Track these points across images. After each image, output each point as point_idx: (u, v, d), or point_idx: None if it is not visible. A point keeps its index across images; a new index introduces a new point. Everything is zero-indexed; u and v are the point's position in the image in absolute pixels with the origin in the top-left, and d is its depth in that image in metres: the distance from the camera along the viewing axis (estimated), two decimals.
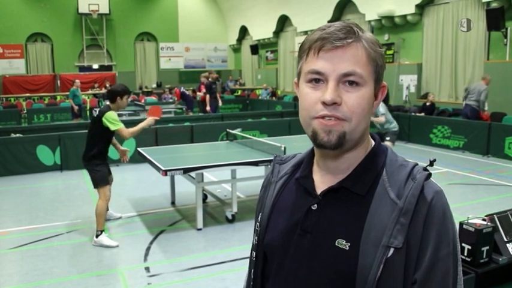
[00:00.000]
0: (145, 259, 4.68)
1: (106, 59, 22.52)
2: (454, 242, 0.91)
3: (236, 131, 7.31)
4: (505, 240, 2.78)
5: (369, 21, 14.57)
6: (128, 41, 22.78)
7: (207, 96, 13.16)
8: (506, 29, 10.75)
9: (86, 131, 8.17)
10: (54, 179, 8.17)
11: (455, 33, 12.29)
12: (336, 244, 0.94)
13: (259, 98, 19.55)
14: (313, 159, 1.06)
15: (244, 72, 24.49)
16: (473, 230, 2.63)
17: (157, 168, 5.25)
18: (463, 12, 12.00)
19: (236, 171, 6.07)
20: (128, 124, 8.73)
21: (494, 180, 7.57)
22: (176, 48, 23.85)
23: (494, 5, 10.66)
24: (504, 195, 6.65)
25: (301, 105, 0.97)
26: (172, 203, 6.52)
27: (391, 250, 0.88)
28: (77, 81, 13.90)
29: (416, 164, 0.97)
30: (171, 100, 16.54)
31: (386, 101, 11.67)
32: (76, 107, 13.30)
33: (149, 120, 5.28)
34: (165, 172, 5.04)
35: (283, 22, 19.98)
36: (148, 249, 4.93)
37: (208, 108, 13.11)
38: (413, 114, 11.90)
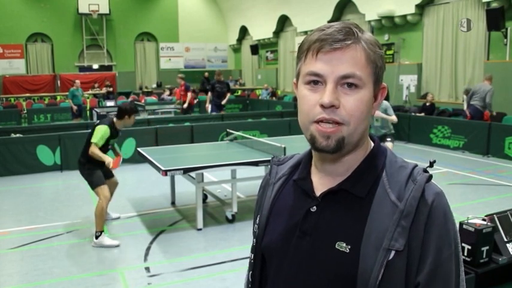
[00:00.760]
0: (145, 259, 4.68)
1: (106, 59, 22.51)
2: (456, 244, 0.91)
3: (229, 138, 7.32)
4: (505, 240, 2.78)
5: (369, 21, 14.56)
6: (128, 41, 22.78)
7: (208, 95, 13.02)
8: (506, 29, 10.74)
9: (86, 131, 8.21)
10: (54, 179, 8.17)
11: (455, 33, 12.29)
12: (336, 247, 0.93)
13: (259, 98, 19.55)
14: (311, 161, 1.05)
15: (244, 72, 24.49)
16: (473, 230, 2.63)
17: (158, 169, 5.25)
18: (463, 12, 12.00)
19: (236, 171, 6.07)
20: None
21: (494, 180, 7.57)
22: (176, 48, 23.85)
23: (494, 5, 10.66)
24: (504, 195, 6.65)
25: (300, 108, 0.96)
26: (173, 203, 6.52)
27: (392, 253, 0.87)
28: (77, 81, 13.90)
29: (416, 165, 0.96)
30: (170, 99, 16.56)
31: (386, 101, 11.68)
32: (75, 107, 13.26)
33: (108, 161, 5.05)
34: (165, 172, 5.04)
35: (283, 22, 19.98)
36: (148, 249, 4.93)
37: (208, 107, 12.92)
38: (413, 114, 11.90)
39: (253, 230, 1.12)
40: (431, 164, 1.01)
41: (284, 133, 9.85)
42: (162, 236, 5.33)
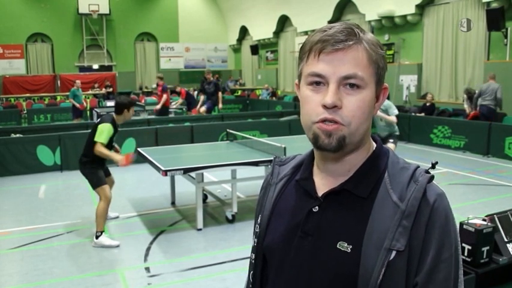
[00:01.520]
0: (145, 259, 4.68)
1: (106, 59, 22.52)
2: (456, 245, 0.91)
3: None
4: (505, 240, 2.78)
5: (369, 22, 14.57)
6: (128, 41, 22.79)
7: (202, 96, 12.89)
8: (507, 29, 10.75)
9: (86, 131, 8.20)
10: (54, 179, 8.17)
11: (456, 34, 12.29)
12: (338, 247, 0.93)
13: (260, 98, 19.55)
14: (313, 161, 1.06)
15: (244, 72, 24.49)
16: (473, 230, 2.63)
17: (158, 169, 5.25)
18: (463, 12, 12.00)
19: (236, 171, 6.07)
20: (130, 125, 8.76)
21: (495, 181, 7.56)
22: (176, 48, 23.86)
23: (494, 5, 10.66)
24: (504, 196, 6.65)
25: (302, 109, 0.97)
26: (173, 203, 6.52)
27: (393, 253, 0.87)
28: (78, 81, 13.94)
29: (418, 167, 0.96)
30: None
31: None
32: (78, 105, 13.29)
33: (117, 158, 5.10)
34: (165, 172, 5.04)
35: (283, 22, 19.98)
36: (148, 249, 4.93)
37: (202, 108, 12.65)
38: (413, 114, 11.90)
39: (255, 230, 1.12)
40: (433, 166, 1.01)
41: (284, 133, 9.85)
42: (162, 236, 5.33)
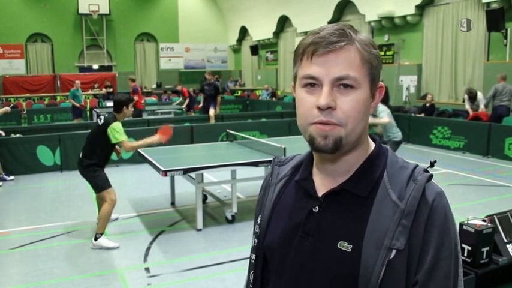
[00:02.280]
0: (145, 259, 4.68)
1: (106, 59, 22.52)
2: (455, 243, 0.92)
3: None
4: (505, 241, 2.79)
5: (369, 22, 14.57)
6: (128, 41, 22.78)
7: (203, 96, 12.59)
8: (506, 29, 10.75)
9: (86, 131, 8.20)
10: (54, 180, 8.17)
11: (455, 34, 12.29)
12: (338, 246, 0.94)
13: (259, 98, 19.55)
14: (312, 162, 1.06)
15: (244, 72, 24.49)
16: (473, 230, 2.63)
17: (157, 169, 5.25)
18: (463, 13, 12.00)
19: (236, 171, 6.07)
20: (131, 125, 8.77)
21: (494, 181, 7.57)
22: (176, 48, 23.86)
23: (494, 5, 10.67)
24: (504, 196, 6.65)
25: (298, 111, 0.97)
26: (172, 203, 6.52)
27: (393, 252, 0.88)
28: (77, 82, 13.95)
29: (417, 166, 0.97)
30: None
31: (386, 102, 11.67)
32: (78, 105, 13.29)
33: (157, 138, 5.13)
34: (165, 173, 5.04)
35: (283, 23, 19.99)
36: (148, 249, 4.93)
37: (212, 111, 12.22)
38: (413, 114, 11.90)
39: (254, 230, 1.12)
40: (432, 164, 1.02)
41: (284, 133, 9.84)
42: (162, 236, 5.33)
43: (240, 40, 24.09)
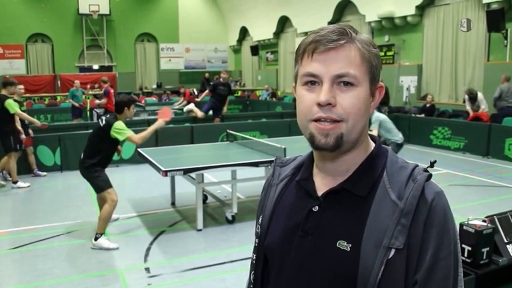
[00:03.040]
0: (145, 260, 4.67)
1: (106, 59, 22.52)
2: (455, 243, 0.92)
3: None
4: (505, 241, 2.79)
5: (369, 23, 14.58)
6: (128, 41, 22.79)
7: (214, 97, 11.69)
8: (507, 30, 10.75)
9: (86, 131, 8.20)
10: (54, 180, 8.17)
11: (456, 35, 12.29)
12: (337, 246, 0.94)
13: (260, 98, 19.56)
14: (313, 162, 1.07)
15: (245, 73, 24.50)
16: (473, 231, 2.63)
17: (158, 169, 5.25)
18: (463, 13, 12.00)
19: (236, 172, 6.07)
20: (130, 125, 8.75)
21: (495, 182, 7.56)
22: (176, 49, 23.87)
23: (494, 6, 10.67)
24: (504, 197, 6.65)
25: (298, 108, 0.98)
26: (173, 203, 6.52)
27: (392, 251, 0.88)
28: (77, 81, 13.97)
29: (417, 166, 0.97)
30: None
31: (386, 102, 11.68)
32: (77, 104, 13.30)
33: (159, 122, 5.26)
34: (165, 173, 5.04)
35: (284, 23, 19.99)
36: (148, 249, 4.93)
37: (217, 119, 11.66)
38: (413, 115, 11.90)
39: (256, 230, 1.13)
40: (431, 164, 1.02)
41: (284, 134, 9.85)
42: (162, 236, 5.33)
43: (240, 40, 24.10)
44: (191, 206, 6.11)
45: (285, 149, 5.55)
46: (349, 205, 0.97)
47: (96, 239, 4.93)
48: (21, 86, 8.13)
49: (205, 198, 6.32)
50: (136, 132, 5.18)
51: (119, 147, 5.36)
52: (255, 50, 21.76)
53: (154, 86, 23.05)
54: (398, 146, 6.97)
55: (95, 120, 12.75)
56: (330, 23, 15.79)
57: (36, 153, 8.60)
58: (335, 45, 0.92)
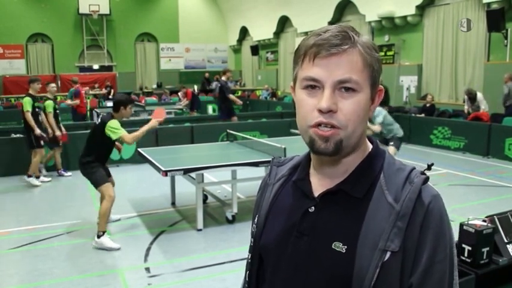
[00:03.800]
0: (145, 259, 4.68)
1: (106, 59, 22.52)
2: (451, 246, 0.91)
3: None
4: (505, 241, 2.79)
5: (369, 22, 14.57)
6: (128, 41, 22.79)
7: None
8: (507, 30, 10.75)
9: (86, 131, 8.19)
10: (54, 180, 8.17)
11: (456, 35, 12.29)
12: (333, 247, 0.94)
13: (260, 98, 19.56)
14: (310, 162, 1.06)
15: (245, 73, 24.50)
16: (473, 231, 2.63)
17: (158, 169, 5.25)
18: (464, 13, 12.00)
19: (236, 171, 6.07)
20: (130, 125, 8.75)
21: (495, 181, 7.56)
22: (176, 48, 23.87)
23: (494, 6, 10.67)
24: (504, 196, 6.64)
25: (298, 112, 0.97)
26: (173, 203, 6.52)
27: (388, 254, 0.87)
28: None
29: (414, 168, 0.97)
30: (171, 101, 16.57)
31: (386, 102, 11.67)
32: (71, 102, 13.30)
33: (153, 122, 5.27)
34: (166, 173, 5.04)
35: (284, 23, 19.99)
36: (148, 249, 4.93)
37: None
38: (413, 115, 11.90)
39: (252, 229, 1.13)
40: (429, 167, 1.02)
41: (284, 134, 9.83)
42: (162, 236, 5.33)
43: (240, 40, 24.10)
44: (191, 206, 6.11)
45: (285, 148, 5.56)
46: (346, 206, 0.96)
47: (98, 237, 4.94)
48: (53, 84, 8.36)
49: (205, 198, 6.32)
50: (134, 132, 5.18)
51: (119, 144, 5.38)
52: (255, 50, 21.76)
53: (155, 86, 23.05)
54: (400, 140, 7.01)
55: (95, 120, 12.75)
56: (330, 23, 15.79)
57: None
58: (337, 50, 0.91)
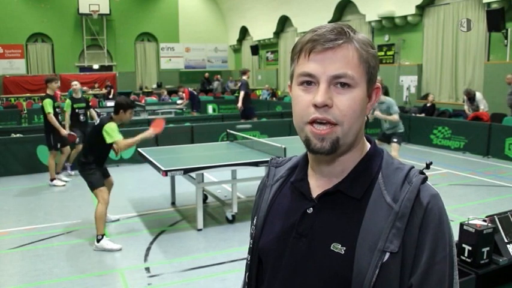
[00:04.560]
0: (145, 259, 4.67)
1: (106, 59, 22.53)
2: (450, 246, 0.90)
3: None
4: (506, 241, 2.78)
5: (369, 22, 14.57)
6: (128, 41, 22.79)
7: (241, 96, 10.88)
8: (507, 30, 10.75)
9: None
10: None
11: (456, 34, 12.29)
12: (332, 248, 0.93)
13: (260, 98, 19.55)
14: (308, 163, 1.05)
15: None
16: (473, 231, 2.63)
17: (158, 169, 5.25)
18: (464, 13, 12.00)
19: (236, 171, 6.07)
20: (130, 124, 8.76)
21: (495, 181, 7.56)
22: (176, 48, 23.87)
23: (494, 6, 10.67)
24: (504, 196, 6.64)
25: (294, 109, 0.96)
26: (173, 203, 6.52)
27: (387, 255, 0.87)
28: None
29: (413, 167, 0.96)
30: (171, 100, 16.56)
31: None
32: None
33: (149, 132, 5.18)
34: (166, 172, 5.04)
35: (284, 23, 19.99)
36: (148, 249, 4.93)
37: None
38: (413, 115, 11.91)
39: (250, 231, 1.12)
40: (427, 166, 1.01)
41: (284, 134, 9.85)
42: (162, 236, 5.33)
43: (240, 40, 24.10)
44: (191, 206, 6.11)
45: (285, 148, 5.56)
46: (344, 207, 0.95)
47: (98, 241, 4.92)
48: (76, 82, 8.19)
49: (205, 198, 6.32)
50: (135, 132, 5.17)
51: (115, 146, 5.36)
52: (255, 49, 21.75)
53: (155, 86, 23.06)
54: (402, 135, 7.02)
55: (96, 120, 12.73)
56: (330, 22, 15.77)
57: (36, 153, 8.60)
58: (333, 45, 0.90)
